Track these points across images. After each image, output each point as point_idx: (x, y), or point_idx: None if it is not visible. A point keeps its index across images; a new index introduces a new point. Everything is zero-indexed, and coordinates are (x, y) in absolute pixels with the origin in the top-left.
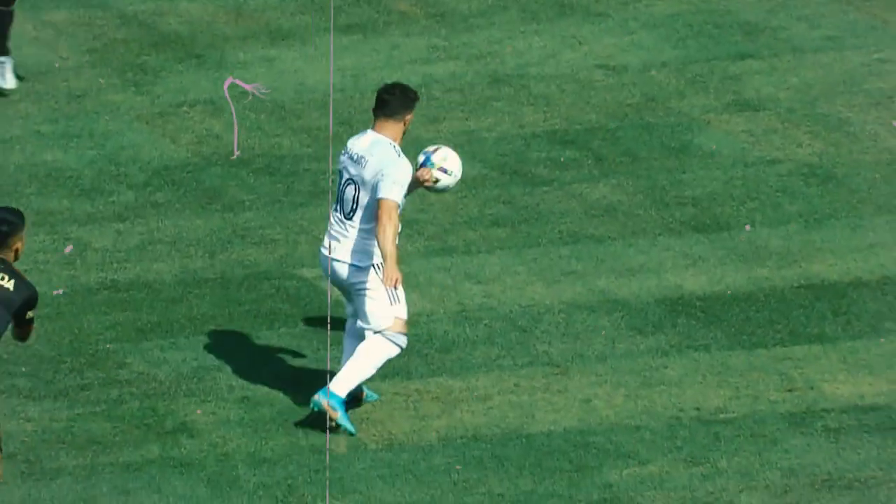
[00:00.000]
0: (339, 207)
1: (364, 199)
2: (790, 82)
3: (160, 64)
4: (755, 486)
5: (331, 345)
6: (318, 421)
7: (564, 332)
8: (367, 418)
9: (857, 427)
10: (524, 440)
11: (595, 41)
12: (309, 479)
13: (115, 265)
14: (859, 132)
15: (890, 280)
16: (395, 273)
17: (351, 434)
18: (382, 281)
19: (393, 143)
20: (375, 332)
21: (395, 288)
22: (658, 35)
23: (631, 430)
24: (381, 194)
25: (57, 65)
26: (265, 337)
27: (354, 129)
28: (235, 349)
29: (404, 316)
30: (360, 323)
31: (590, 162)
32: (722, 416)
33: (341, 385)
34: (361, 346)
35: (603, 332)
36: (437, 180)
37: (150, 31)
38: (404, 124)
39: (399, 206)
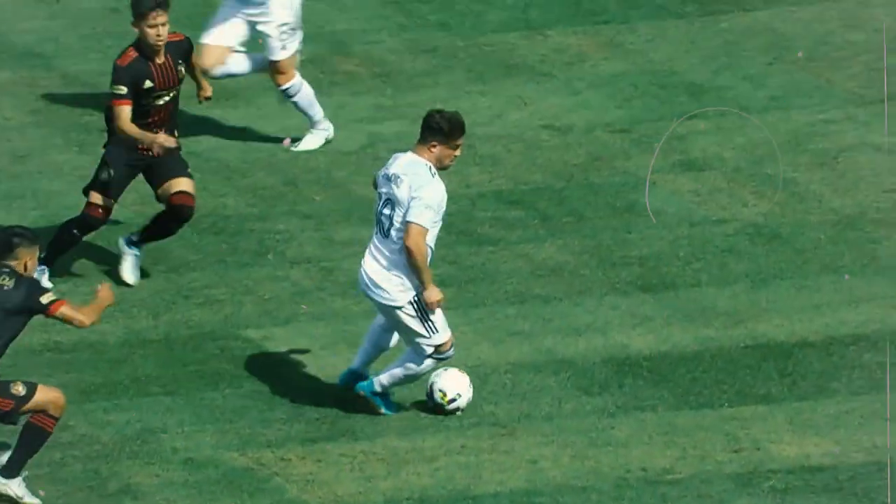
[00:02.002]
0: (378, 228)
1: (398, 218)
2: (736, 142)
3: (104, 124)
4: None
5: (280, 404)
6: (261, 483)
7: (511, 393)
8: (313, 480)
9: (803, 488)
10: (471, 502)
11: (541, 101)
12: None
13: (58, 326)
14: (804, 192)
15: (835, 340)
16: (434, 296)
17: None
18: (424, 308)
19: (429, 165)
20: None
21: (434, 312)
22: (603, 95)
23: (578, 491)
24: (409, 217)
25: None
26: (210, 398)
27: (300, 189)
28: (180, 410)
29: (443, 340)
30: (396, 339)
31: (536, 222)
32: (668, 476)
33: (379, 383)
34: (406, 357)
35: (549, 393)
36: (457, 408)
37: (94, 91)
38: (446, 148)
39: (426, 231)
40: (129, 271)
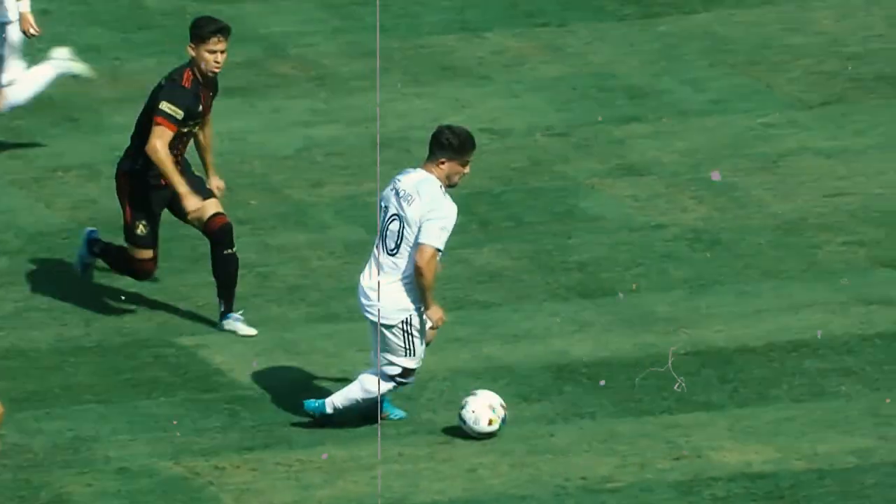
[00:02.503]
0: (381, 242)
1: (410, 236)
2: (675, 146)
3: (34, 127)
4: None
5: (215, 412)
6: (196, 492)
7: (449, 400)
8: (248, 489)
9: (744, 495)
10: None
11: (479, 104)
12: None
13: None
14: (745, 197)
15: (776, 346)
16: (438, 314)
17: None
18: (412, 330)
19: (440, 183)
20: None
21: (417, 336)
22: (543, 98)
23: (517, 500)
24: (422, 239)
25: None
26: (144, 406)
27: (235, 193)
28: (113, 419)
29: (414, 366)
30: (371, 356)
31: (475, 227)
32: (609, 485)
33: (333, 402)
34: (363, 377)
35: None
36: (498, 428)
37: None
38: (455, 164)
39: (439, 253)
40: (244, 329)
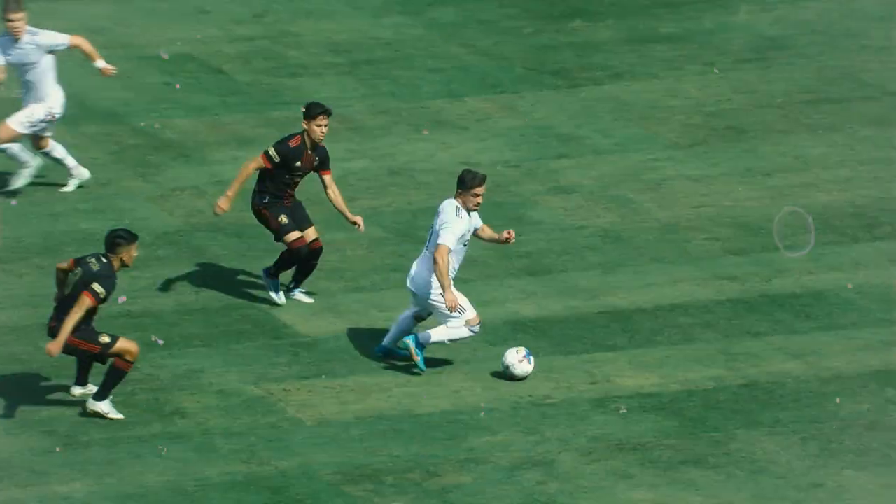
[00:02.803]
0: (427, 244)
1: (434, 239)
2: (591, 174)
3: (160, 161)
4: (570, 449)
5: (283, 352)
6: (270, 406)
7: (440, 345)
8: (305, 404)
9: (639, 408)
10: (414, 418)
11: (460, 145)
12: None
13: (131, 299)
14: (639, 208)
15: (660, 308)
16: (452, 298)
17: (421, 371)
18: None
19: (457, 205)
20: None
21: (454, 308)
22: (502, 141)
23: (487, 411)
24: (438, 239)
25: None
26: (235, 349)
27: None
28: (214, 357)
29: (472, 315)
30: (408, 311)
31: None
32: (548, 400)
33: (425, 338)
34: (451, 322)
35: (468, 345)
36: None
37: (153, 138)
38: (466, 195)
39: (450, 250)
40: (305, 299)
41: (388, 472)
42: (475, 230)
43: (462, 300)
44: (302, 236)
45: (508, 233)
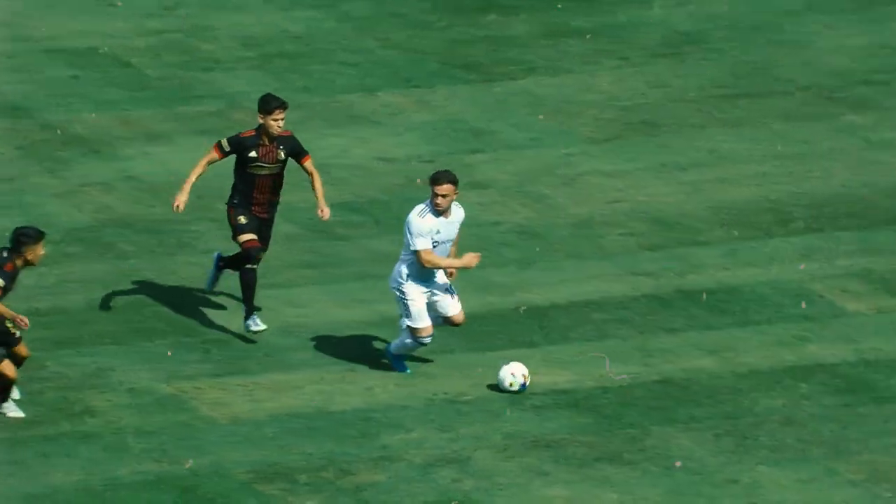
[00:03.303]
0: None
1: (406, 246)
2: (507, 169)
3: (69, 157)
4: (485, 446)
5: (195, 350)
6: (182, 404)
7: (354, 341)
8: (218, 402)
9: (553, 405)
10: (328, 416)
11: (375, 141)
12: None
13: (39, 296)
14: (554, 203)
15: (575, 304)
16: (469, 259)
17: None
18: (405, 298)
19: (422, 206)
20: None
21: (411, 303)
22: (417, 136)
23: (400, 409)
24: (413, 249)
25: None
26: (146, 346)
27: (205, 201)
28: (125, 355)
29: (416, 325)
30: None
31: (371, 223)
32: (463, 398)
33: (393, 346)
34: (402, 328)
35: (381, 341)
36: (517, 390)
37: (61, 133)
38: (431, 195)
39: (425, 249)
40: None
41: (301, 470)
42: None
43: (416, 308)
44: (256, 238)
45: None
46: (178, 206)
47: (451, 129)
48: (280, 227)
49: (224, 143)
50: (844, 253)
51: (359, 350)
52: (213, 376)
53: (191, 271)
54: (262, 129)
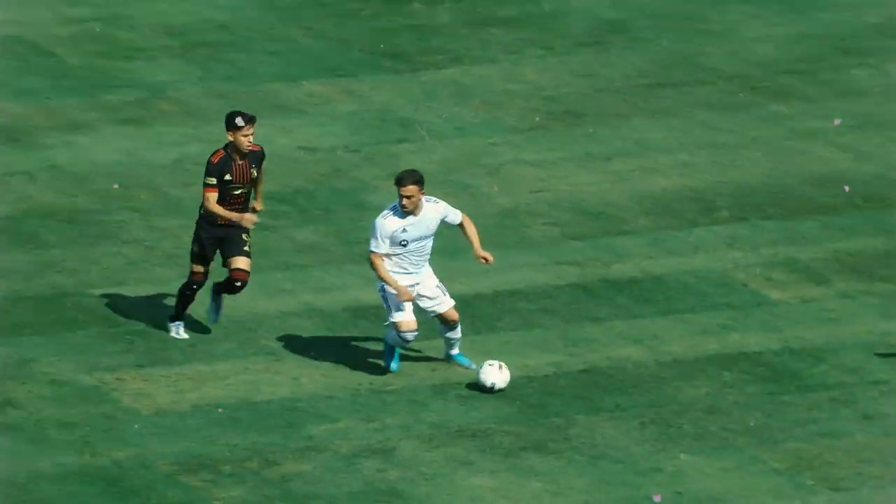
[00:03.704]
0: None
1: None
2: (432, 159)
3: None
4: (410, 436)
5: (117, 340)
6: (104, 395)
7: (279, 331)
8: (140, 393)
9: (478, 394)
10: (252, 406)
11: (299, 131)
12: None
13: None
14: (478, 193)
15: (500, 294)
16: (402, 291)
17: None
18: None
19: (386, 211)
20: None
21: (405, 302)
22: (342, 126)
23: (326, 399)
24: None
25: None
26: (67, 337)
27: (129, 191)
28: (46, 346)
29: (398, 319)
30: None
31: (296, 214)
32: (388, 388)
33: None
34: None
35: (307, 332)
36: (499, 388)
37: None
38: (398, 197)
39: (379, 254)
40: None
41: (225, 461)
42: (454, 224)
43: (395, 303)
44: (203, 271)
45: (486, 259)
46: (247, 221)
47: (376, 118)
48: None
49: (210, 179)
50: (768, 242)
51: (284, 340)
52: (135, 367)
53: (113, 261)
54: (231, 148)
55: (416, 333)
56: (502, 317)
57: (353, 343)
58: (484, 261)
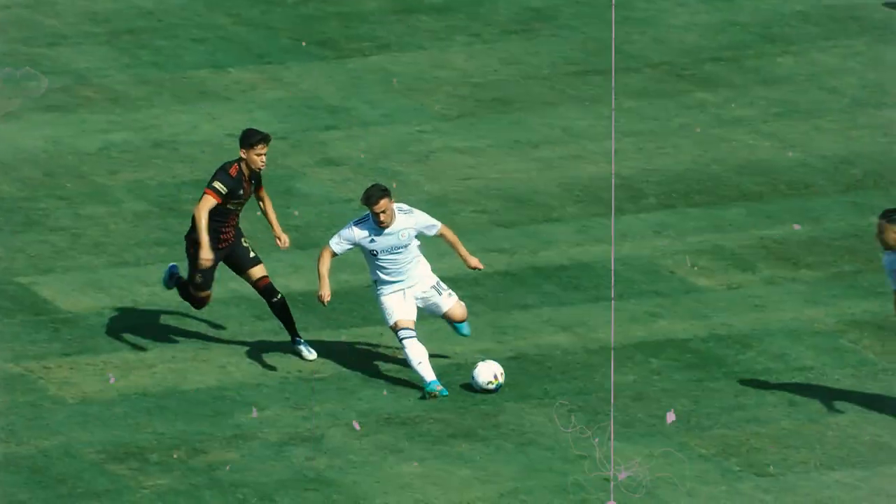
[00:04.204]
0: None
1: None
2: (360, 146)
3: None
4: (339, 424)
5: (43, 328)
6: (30, 384)
7: (208, 319)
8: (67, 381)
9: (407, 382)
10: (179, 395)
11: (225, 118)
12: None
13: None
14: (407, 180)
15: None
16: (320, 291)
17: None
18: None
19: (357, 220)
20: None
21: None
22: (269, 113)
23: (254, 387)
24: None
25: None
26: None
27: (55, 178)
28: None
29: (392, 320)
30: None
31: None
32: (317, 375)
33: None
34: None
35: (235, 319)
36: (494, 388)
37: None
38: (373, 214)
39: (329, 247)
40: (308, 354)
41: (152, 449)
42: (431, 235)
43: (386, 305)
44: (208, 294)
45: (477, 267)
46: (205, 263)
47: (304, 105)
48: (129, 204)
49: (219, 186)
50: (695, 229)
51: (212, 328)
52: (61, 355)
53: (39, 249)
54: (243, 164)
55: (413, 332)
56: None
57: (282, 331)
58: (476, 268)
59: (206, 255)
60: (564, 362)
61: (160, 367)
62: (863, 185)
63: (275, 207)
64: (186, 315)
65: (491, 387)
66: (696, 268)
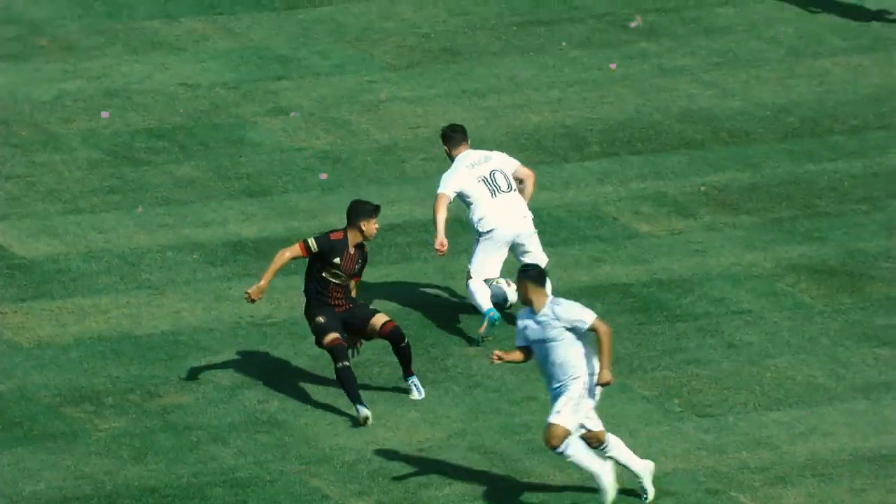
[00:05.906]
0: None
1: None
2: (311, 96)
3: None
4: (291, 368)
5: None
6: None
7: (161, 266)
8: (22, 326)
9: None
10: (134, 340)
11: (178, 67)
12: None
13: None
14: (357, 129)
15: (379, 228)
16: (437, 240)
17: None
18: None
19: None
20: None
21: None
22: (221, 63)
23: (207, 332)
24: None
25: None
26: None
27: (10, 127)
28: None
29: (476, 277)
30: None
31: (176, 150)
32: (269, 320)
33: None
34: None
35: (188, 266)
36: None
37: None
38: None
39: (442, 194)
40: (416, 394)
41: (107, 393)
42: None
43: (479, 266)
44: (336, 336)
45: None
46: (251, 299)
47: (255, 55)
48: (83, 152)
49: (312, 243)
50: (637, 176)
51: (165, 274)
52: (17, 301)
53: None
54: (350, 235)
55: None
56: (381, 250)
57: (234, 277)
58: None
59: (255, 294)
60: (511, 307)
61: (115, 312)
62: (799, 132)
63: (228, 155)
64: (141, 262)
65: (507, 304)
66: (633, 211)
